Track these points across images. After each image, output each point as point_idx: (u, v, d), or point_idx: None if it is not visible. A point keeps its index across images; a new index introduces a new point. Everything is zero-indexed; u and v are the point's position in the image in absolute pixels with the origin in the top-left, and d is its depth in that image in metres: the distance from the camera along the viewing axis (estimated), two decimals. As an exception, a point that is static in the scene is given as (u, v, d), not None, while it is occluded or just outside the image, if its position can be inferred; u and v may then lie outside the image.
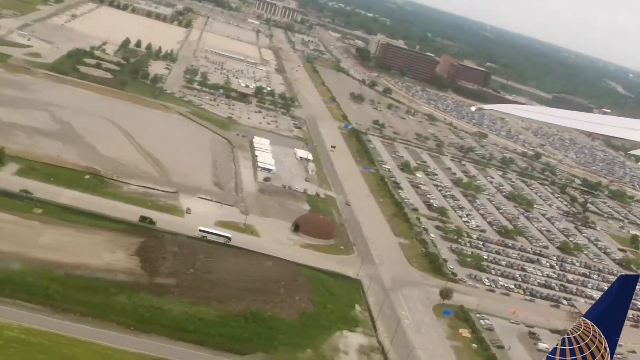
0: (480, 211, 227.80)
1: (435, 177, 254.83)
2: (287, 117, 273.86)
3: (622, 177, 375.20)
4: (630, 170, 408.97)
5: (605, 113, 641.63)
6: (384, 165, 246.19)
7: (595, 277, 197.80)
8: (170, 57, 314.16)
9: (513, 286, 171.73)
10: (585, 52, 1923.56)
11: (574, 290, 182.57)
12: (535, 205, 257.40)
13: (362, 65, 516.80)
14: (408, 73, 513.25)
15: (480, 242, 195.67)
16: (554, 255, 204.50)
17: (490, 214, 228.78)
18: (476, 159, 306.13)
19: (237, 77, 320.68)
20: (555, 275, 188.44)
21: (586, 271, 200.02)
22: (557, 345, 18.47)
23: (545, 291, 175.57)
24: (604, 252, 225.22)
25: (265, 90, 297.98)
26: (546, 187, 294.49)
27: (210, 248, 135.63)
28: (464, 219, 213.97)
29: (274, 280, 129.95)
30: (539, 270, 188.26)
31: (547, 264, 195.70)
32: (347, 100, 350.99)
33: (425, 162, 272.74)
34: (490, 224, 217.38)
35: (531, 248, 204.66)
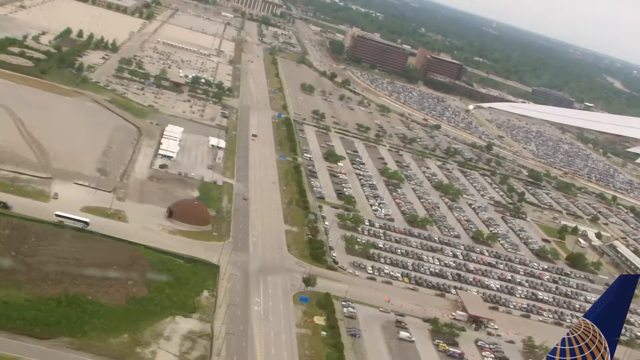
0: (397, 200, 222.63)
1: (362, 166, 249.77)
2: (217, 107, 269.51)
3: (580, 169, 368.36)
4: (593, 162, 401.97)
5: (587, 107, 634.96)
6: (306, 154, 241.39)
7: (501, 267, 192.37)
8: (112, 47, 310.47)
9: (399, 275, 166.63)
10: (593, 49, 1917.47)
11: (471, 279, 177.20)
12: (465, 195, 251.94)
13: (333, 57, 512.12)
14: (379, 65, 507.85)
15: (382, 231, 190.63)
16: (462, 245, 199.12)
17: (409, 203, 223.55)
18: (418, 149, 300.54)
19: (180, 68, 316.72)
20: (454, 265, 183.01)
21: (493, 261, 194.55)
22: (557, 345, 18.58)
23: (436, 280, 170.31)
24: (524, 243, 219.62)
25: (202, 80, 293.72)
26: (486, 177, 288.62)
27: (51, 232, 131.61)
28: (374, 207, 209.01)
29: (108, 264, 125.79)
30: (437, 259, 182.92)
31: (451, 253, 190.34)
32: (296, 91, 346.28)
33: (356, 151, 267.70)
34: (403, 213, 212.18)
35: (439, 237, 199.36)
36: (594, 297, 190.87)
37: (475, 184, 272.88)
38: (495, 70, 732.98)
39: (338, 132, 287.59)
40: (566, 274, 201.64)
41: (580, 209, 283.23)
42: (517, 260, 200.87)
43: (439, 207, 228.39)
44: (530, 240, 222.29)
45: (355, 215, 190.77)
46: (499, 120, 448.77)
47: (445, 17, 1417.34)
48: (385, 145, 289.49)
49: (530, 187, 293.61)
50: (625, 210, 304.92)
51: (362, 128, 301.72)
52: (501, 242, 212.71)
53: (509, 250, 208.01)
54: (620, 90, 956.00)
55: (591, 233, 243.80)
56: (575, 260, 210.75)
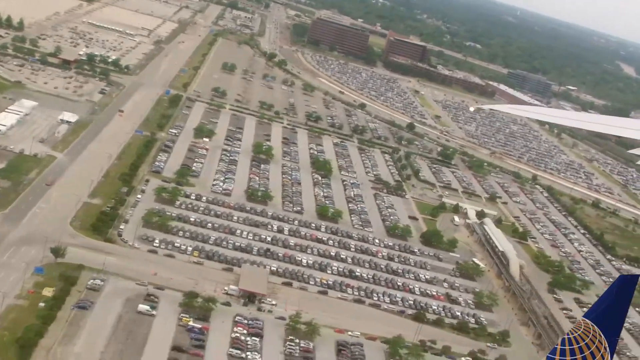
0: (252, 175, 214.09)
1: (236, 142, 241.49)
2: (102, 83, 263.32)
3: (515, 149, 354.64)
4: (539, 143, 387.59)
5: (569, 90, 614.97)
6: (173, 130, 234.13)
7: (330, 243, 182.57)
8: (17, 26, 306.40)
9: (190, 248, 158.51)
10: (620, 36, 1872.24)
11: (281, 255, 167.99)
12: (345, 172, 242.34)
13: (290, 39, 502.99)
14: (338, 47, 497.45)
15: (204, 205, 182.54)
16: (297, 220, 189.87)
17: (265, 178, 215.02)
18: (322, 127, 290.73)
19: (87, 46, 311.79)
20: (271, 240, 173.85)
21: (325, 237, 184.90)
22: (557, 345, 18.75)
23: (235, 254, 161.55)
24: (383, 219, 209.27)
25: (98, 58, 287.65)
26: (386, 155, 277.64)
27: None
28: (215, 182, 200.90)
29: None
30: (253, 234, 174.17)
31: (276, 228, 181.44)
32: (215, 70, 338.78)
33: (241, 128, 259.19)
34: (249, 188, 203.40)
35: (274, 213, 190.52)
36: (429, 275, 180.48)
37: (368, 161, 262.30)
38: (482, 54, 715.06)
39: (233, 110, 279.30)
40: (411, 252, 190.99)
41: (484, 188, 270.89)
42: (358, 237, 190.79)
43: (299, 184, 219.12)
44: (392, 218, 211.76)
45: (173, 189, 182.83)
46: (450, 101, 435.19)
47: (463, 5, 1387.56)
48: (282, 123, 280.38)
49: (436, 166, 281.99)
50: (541, 190, 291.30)
51: (265, 105, 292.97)
52: (353, 218, 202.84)
53: (356, 226, 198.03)
54: (627, 76, 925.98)
55: (472, 211, 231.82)
56: (430, 238, 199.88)
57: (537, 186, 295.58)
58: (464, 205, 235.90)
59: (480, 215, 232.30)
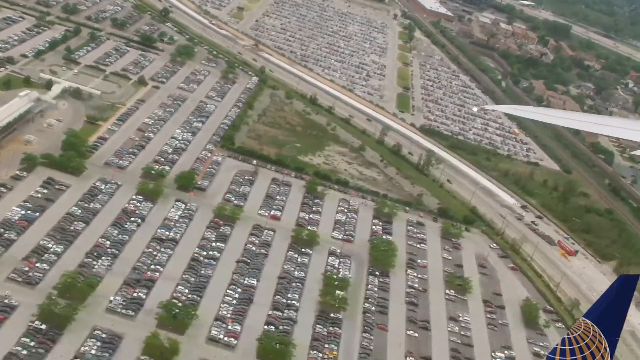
0: None
1: None
2: None
3: (308, 49, 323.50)
4: (357, 48, 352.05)
5: (522, 4, 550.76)
6: None
7: None
8: None
9: None
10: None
11: None
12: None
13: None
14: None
15: None
16: None
17: None
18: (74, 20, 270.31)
19: None
20: None
21: None
22: (557, 345, 18.74)
23: None
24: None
25: None
26: (70, 33, 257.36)
27: None
28: None
29: None
30: None
31: None
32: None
33: None
34: None
35: None
36: None
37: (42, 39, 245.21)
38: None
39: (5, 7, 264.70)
40: None
41: (158, 72, 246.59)
42: None
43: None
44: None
45: None
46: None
47: None
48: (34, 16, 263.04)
49: (128, 48, 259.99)
50: (249, 80, 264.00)
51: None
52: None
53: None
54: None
55: (58, 87, 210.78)
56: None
57: (254, 77, 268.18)
58: (58, 81, 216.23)
59: (76, 94, 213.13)
